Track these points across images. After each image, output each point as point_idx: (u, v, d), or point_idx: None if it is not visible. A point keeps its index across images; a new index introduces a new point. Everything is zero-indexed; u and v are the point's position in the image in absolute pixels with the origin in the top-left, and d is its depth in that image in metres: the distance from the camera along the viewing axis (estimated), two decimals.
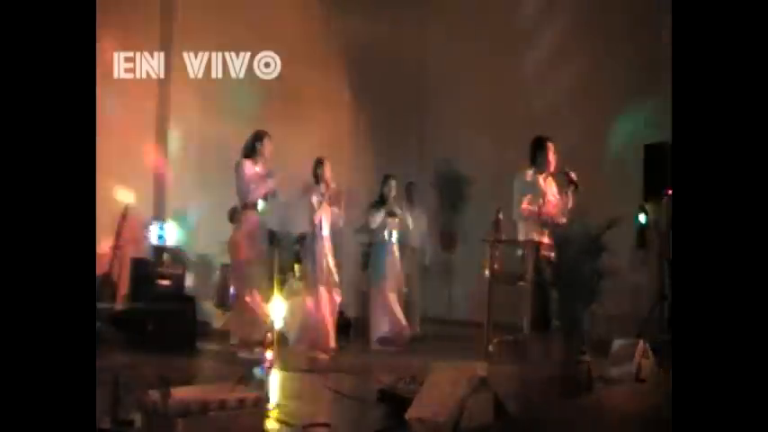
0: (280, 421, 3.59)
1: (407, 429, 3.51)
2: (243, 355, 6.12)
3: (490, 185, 8.83)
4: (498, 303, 6.16)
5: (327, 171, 6.87)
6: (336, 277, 6.92)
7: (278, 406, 3.96)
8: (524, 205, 6.06)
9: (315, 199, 6.81)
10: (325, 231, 6.89)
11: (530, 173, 6.21)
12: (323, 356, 6.51)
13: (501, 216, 6.22)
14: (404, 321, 7.45)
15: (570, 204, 6.28)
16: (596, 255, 4.86)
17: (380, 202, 7.51)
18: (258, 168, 6.37)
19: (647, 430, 4.89)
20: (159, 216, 8.37)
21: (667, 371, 5.88)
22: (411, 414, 3.53)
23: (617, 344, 5.78)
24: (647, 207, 7.76)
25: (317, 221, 6.83)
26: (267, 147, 6.41)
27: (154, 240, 8.14)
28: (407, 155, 10.58)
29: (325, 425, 3.62)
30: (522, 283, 5.88)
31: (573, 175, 6.29)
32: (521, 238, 6.03)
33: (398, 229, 7.59)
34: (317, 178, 6.87)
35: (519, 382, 4.69)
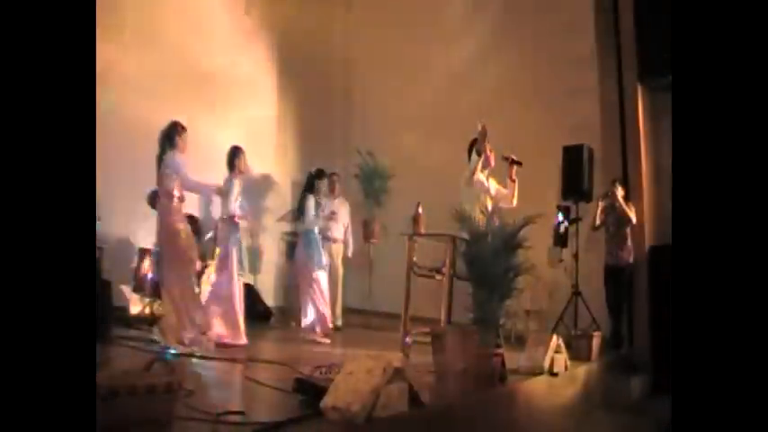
0: (192, 408, 3.55)
1: (322, 418, 3.52)
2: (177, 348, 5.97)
3: (413, 179, 8.92)
4: (419, 296, 6.23)
5: (243, 159, 6.79)
6: (244, 265, 6.84)
7: (191, 393, 3.92)
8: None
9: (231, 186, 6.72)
10: (239, 219, 6.81)
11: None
12: (242, 342, 6.49)
13: (421, 210, 6.28)
14: (328, 311, 7.47)
15: (516, 185, 6.41)
16: (512, 251, 4.96)
17: (308, 190, 7.54)
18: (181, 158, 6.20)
19: (558, 422, 5.06)
20: None
21: (578, 364, 6.10)
22: (326, 403, 3.54)
23: (531, 338, 5.94)
24: (564, 206, 8.02)
25: (231, 209, 6.74)
26: (184, 138, 6.21)
27: None
28: (332, 146, 10.58)
29: (240, 413, 3.60)
30: (439, 277, 5.96)
31: (513, 156, 6.40)
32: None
33: (322, 221, 7.59)
34: (232, 166, 6.77)
35: (434, 373, 4.75)
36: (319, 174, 7.65)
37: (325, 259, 7.51)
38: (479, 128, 6.10)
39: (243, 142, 7.01)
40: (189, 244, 6.20)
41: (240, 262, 6.69)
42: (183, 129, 6.23)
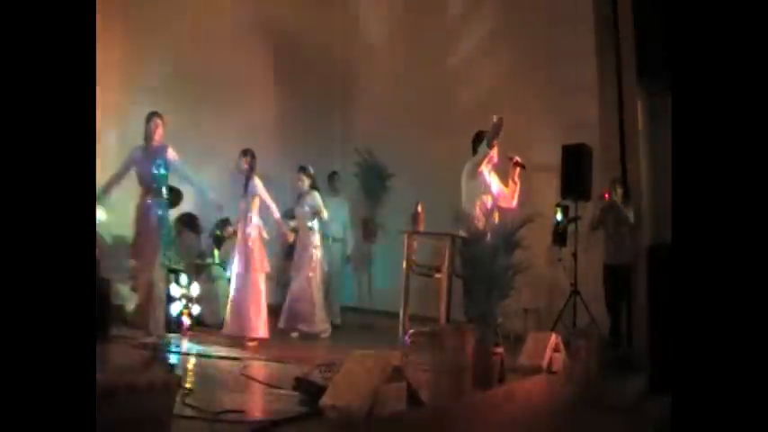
0: (191, 406, 3.56)
1: (321, 416, 3.53)
2: (146, 340, 6.02)
3: (412, 177, 8.92)
4: (418, 295, 6.24)
5: (252, 161, 6.82)
6: (264, 265, 6.86)
7: (190, 391, 3.93)
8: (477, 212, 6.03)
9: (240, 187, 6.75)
10: (255, 219, 6.86)
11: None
12: (252, 344, 6.49)
13: (420, 209, 6.27)
14: (315, 310, 7.45)
15: (518, 188, 6.35)
16: (511, 250, 4.96)
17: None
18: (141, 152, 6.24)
19: (556, 421, 5.07)
20: None
21: (577, 363, 6.11)
22: (325, 401, 3.54)
23: (530, 337, 5.95)
24: (564, 205, 8.03)
25: (241, 210, 6.76)
26: (154, 127, 6.21)
27: None
28: (331, 144, 10.57)
29: (239, 411, 3.61)
30: (438, 275, 5.96)
31: (517, 158, 6.35)
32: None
33: (313, 219, 7.55)
34: (241, 167, 6.79)
35: (432, 372, 4.75)
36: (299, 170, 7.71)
37: (306, 261, 7.49)
38: (494, 120, 5.90)
39: (243, 142, 7.01)
40: (145, 233, 6.25)
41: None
42: (153, 115, 6.25)
